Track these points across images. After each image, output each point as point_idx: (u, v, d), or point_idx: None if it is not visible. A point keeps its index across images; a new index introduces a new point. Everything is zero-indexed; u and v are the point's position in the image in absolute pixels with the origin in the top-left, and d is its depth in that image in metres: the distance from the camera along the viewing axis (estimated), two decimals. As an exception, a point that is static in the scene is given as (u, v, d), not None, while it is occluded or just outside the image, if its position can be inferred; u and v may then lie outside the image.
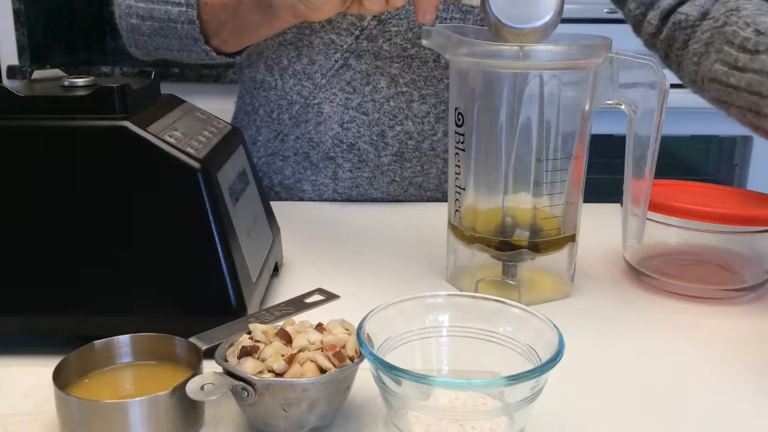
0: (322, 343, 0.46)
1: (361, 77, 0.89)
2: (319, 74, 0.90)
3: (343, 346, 0.45)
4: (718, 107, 0.73)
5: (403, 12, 0.86)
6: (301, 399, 0.43)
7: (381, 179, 0.93)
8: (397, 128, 0.91)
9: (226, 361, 0.45)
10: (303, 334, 0.46)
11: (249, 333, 0.47)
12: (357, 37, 0.87)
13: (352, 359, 0.45)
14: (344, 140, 0.91)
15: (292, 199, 0.96)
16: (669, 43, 0.80)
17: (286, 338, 0.46)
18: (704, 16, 0.76)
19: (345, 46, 0.88)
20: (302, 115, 0.92)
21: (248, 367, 0.43)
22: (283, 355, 0.44)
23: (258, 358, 0.44)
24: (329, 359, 0.44)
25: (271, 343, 0.45)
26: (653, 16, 0.81)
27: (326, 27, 0.87)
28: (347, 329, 0.48)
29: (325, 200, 0.95)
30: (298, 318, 0.49)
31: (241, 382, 0.43)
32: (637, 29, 0.86)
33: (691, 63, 0.77)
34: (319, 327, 0.47)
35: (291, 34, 0.89)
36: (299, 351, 0.45)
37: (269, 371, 0.43)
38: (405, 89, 0.90)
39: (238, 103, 1.03)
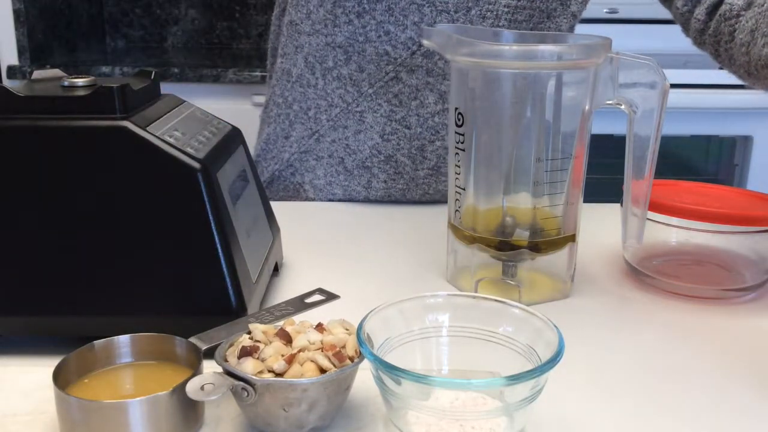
0: (322, 343, 0.46)
1: (410, 91, 0.87)
2: (366, 83, 0.88)
3: (343, 346, 0.45)
4: None
5: None
6: (301, 399, 0.43)
7: (415, 191, 0.92)
8: (437, 143, 0.89)
9: (226, 361, 0.45)
10: (303, 334, 0.46)
11: (249, 333, 0.47)
12: (413, 53, 0.85)
13: (352, 359, 0.45)
14: (383, 151, 0.90)
15: (322, 200, 0.95)
16: (717, 38, 0.78)
17: (286, 338, 0.46)
18: (749, 5, 0.74)
19: (399, 60, 0.85)
20: (341, 120, 0.90)
21: (248, 367, 0.43)
22: (283, 355, 0.44)
23: (258, 358, 0.44)
24: (329, 359, 0.44)
25: (271, 343, 0.45)
26: (700, 12, 0.80)
27: (383, 38, 0.85)
28: (347, 329, 0.48)
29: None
30: (298, 318, 0.49)
31: (241, 382, 0.43)
32: (686, 27, 0.84)
33: (740, 54, 0.74)
34: (319, 327, 0.47)
35: (342, 37, 0.87)
36: (299, 351, 0.45)
37: (269, 371, 0.43)
38: None
39: (269, 93, 1.00)
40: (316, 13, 0.88)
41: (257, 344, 0.45)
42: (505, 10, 0.84)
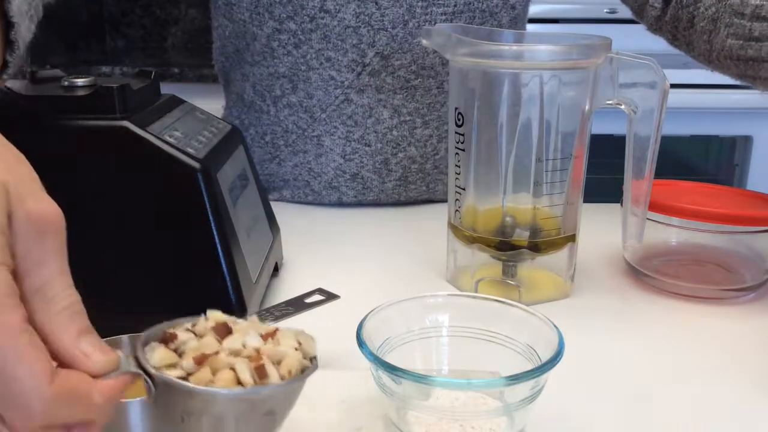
0: (256, 352, 0.37)
1: (363, 111, 0.86)
2: (318, 108, 0.87)
3: (279, 362, 0.37)
4: (743, 81, 0.71)
5: (407, 45, 0.84)
6: (201, 410, 0.35)
7: (385, 201, 0.92)
8: (400, 155, 0.89)
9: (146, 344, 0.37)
10: (243, 336, 0.38)
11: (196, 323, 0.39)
12: (359, 74, 0.84)
13: (283, 378, 0.36)
14: (347, 171, 0.89)
15: None
16: (674, 24, 0.78)
17: (222, 334, 0.38)
18: None
19: (346, 83, 0.84)
20: (300, 145, 0.89)
21: (155, 356, 0.36)
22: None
23: (174, 350, 0.37)
24: (251, 372, 0.36)
25: (203, 336, 0.38)
26: None
27: (325, 64, 0.84)
28: (300, 343, 0.39)
29: None
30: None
31: (142, 372, 0.35)
32: (639, 14, 0.83)
33: (702, 42, 0.74)
34: (271, 334, 0.39)
35: (284, 67, 0.86)
36: (216, 353, 0.36)
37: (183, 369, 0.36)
38: (408, 118, 0.87)
39: (226, 111, 0.99)
40: (253, 45, 0.87)
41: (187, 333, 0.38)
42: (443, 18, 0.83)
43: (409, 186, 0.91)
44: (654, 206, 0.65)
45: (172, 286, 0.52)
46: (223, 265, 0.52)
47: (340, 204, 0.91)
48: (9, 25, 0.48)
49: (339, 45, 0.83)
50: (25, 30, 0.49)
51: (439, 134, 0.90)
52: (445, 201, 0.94)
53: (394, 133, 0.88)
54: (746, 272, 0.68)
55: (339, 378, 0.50)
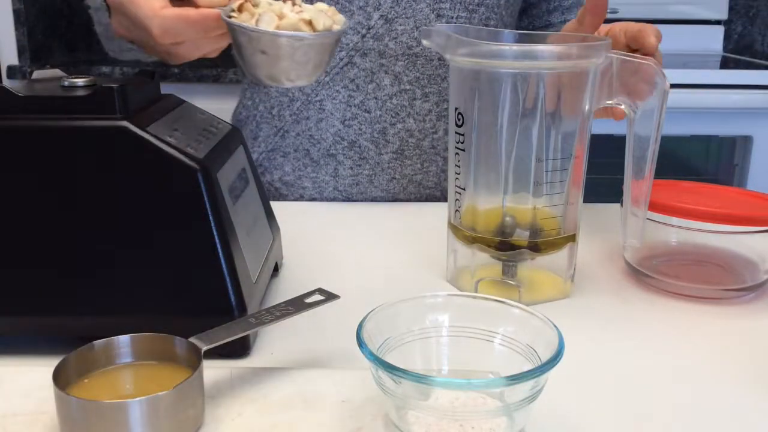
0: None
1: (365, 75, 0.89)
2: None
3: (310, 22, 0.49)
4: None
5: (410, 11, 0.87)
6: (254, 47, 0.49)
7: (381, 176, 0.93)
8: (399, 126, 0.91)
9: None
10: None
11: None
12: (363, 36, 0.87)
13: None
14: (345, 137, 0.92)
15: (293, 195, 0.96)
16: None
17: None
18: None
19: (351, 45, 0.88)
20: (303, 112, 0.93)
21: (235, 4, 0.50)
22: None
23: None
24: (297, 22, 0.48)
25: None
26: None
27: None
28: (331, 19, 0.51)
29: (326, 197, 0.95)
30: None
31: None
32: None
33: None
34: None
35: None
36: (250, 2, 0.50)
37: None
38: (408, 87, 0.90)
39: (241, 96, 1.03)
40: None
41: None
42: None
43: (405, 161, 0.93)
44: (654, 206, 0.65)
45: (172, 286, 0.52)
46: (223, 265, 0.52)
47: (336, 176, 0.93)
48: None
49: (346, 6, 0.87)
50: None
51: (439, 111, 0.92)
52: (437, 188, 0.95)
53: (394, 101, 0.90)
54: (746, 272, 0.68)
55: (339, 378, 0.51)
